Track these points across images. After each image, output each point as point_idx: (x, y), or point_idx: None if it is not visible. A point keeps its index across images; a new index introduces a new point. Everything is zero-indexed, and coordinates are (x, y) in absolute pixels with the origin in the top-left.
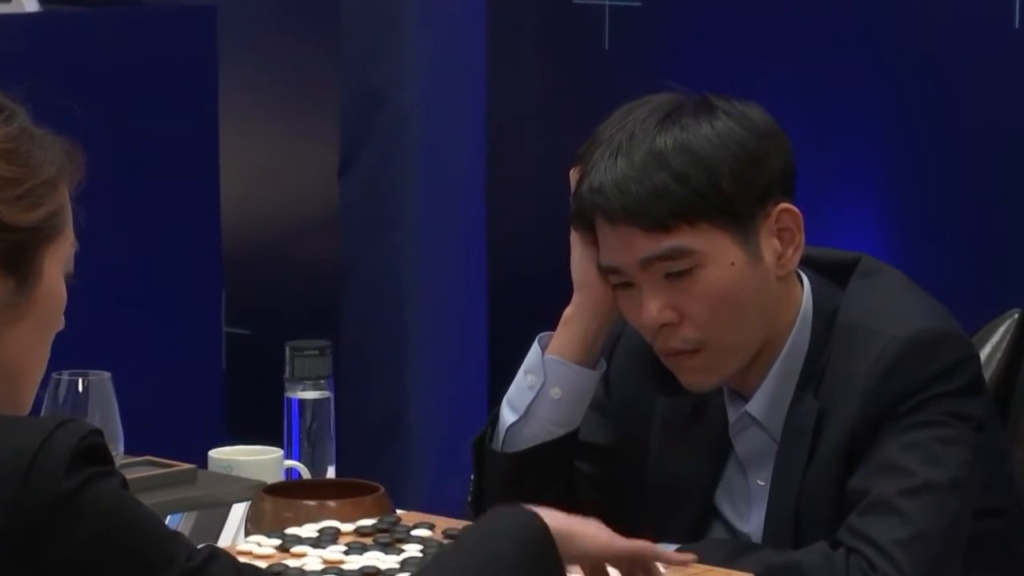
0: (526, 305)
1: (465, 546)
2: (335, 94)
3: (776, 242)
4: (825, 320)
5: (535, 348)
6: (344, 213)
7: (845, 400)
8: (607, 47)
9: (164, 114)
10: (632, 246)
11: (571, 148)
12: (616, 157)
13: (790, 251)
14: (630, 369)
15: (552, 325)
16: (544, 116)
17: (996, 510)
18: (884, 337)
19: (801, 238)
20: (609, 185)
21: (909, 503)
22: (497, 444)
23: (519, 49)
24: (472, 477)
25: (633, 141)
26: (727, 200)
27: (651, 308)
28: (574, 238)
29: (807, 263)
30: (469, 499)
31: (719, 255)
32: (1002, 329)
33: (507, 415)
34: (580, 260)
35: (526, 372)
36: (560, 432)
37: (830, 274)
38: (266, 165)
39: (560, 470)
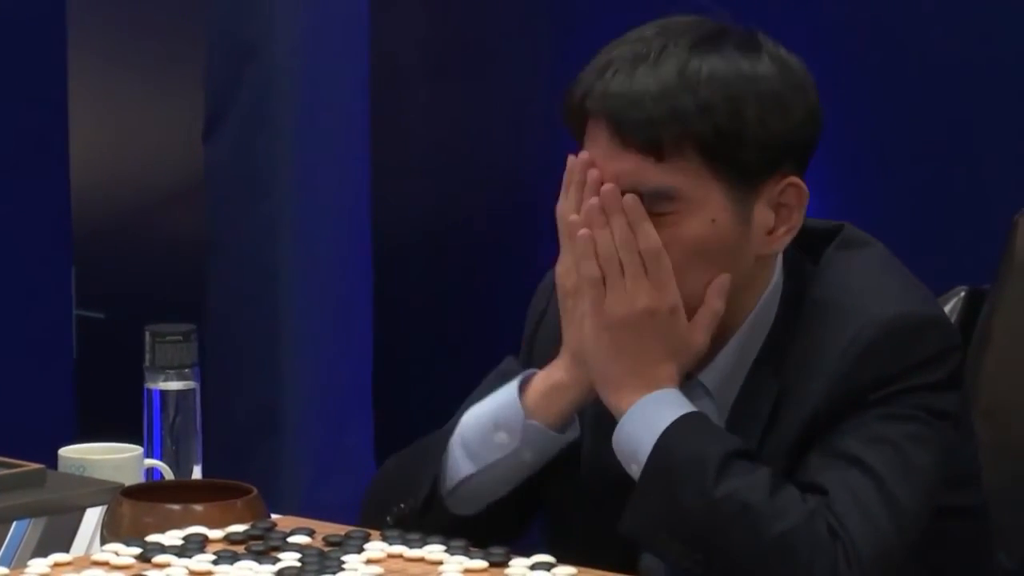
0: (415, 283)
1: None
2: (199, 46)
3: (771, 215)
4: (795, 293)
5: (512, 397)
6: (209, 180)
7: (808, 383)
8: None
9: (4, 69)
10: (619, 166)
11: (463, 100)
12: (637, 65)
13: (782, 230)
14: (556, 352)
15: (443, 306)
16: (434, 67)
17: (964, 509)
18: (861, 317)
19: (799, 220)
20: (626, 92)
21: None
22: (445, 490)
23: None
24: (402, 506)
25: (664, 51)
26: (742, 148)
27: None
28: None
29: None
30: (390, 520)
31: (704, 206)
32: (947, 308)
33: (463, 464)
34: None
35: (497, 427)
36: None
37: (805, 244)
38: (121, 126)
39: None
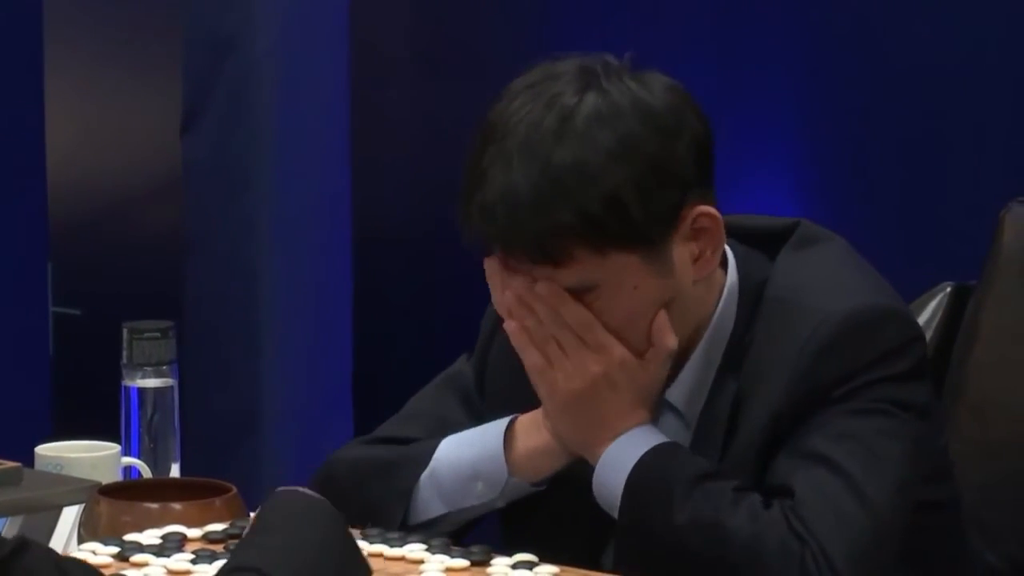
0: (396, 280)
1: (273, 528)
2: (177, 40)
3: (692, 245)
4: (752, 295)
5: (496, 451)
6: (188, 176)
7: (768, 384)
8: None
9: None
10: (528, 280)
11: (447, 95)
12: (508, 174)
13: (708, 252)
14: (512, 362)
15: (424, 304)
16: (417, 60)
17: (939, 503)
18: (818, 314)
19: (721, 235)
20: (502, 214)
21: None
22: (412, 522)
23: None
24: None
25: (528, 149)
26: (636, 227)
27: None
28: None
29: (732, 233)
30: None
31: (621, 281)
32: (933, 304)
33: (433, 505)
34: None
35: (477, 477)
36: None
37: (760, 244)
38: (98, 122)
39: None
